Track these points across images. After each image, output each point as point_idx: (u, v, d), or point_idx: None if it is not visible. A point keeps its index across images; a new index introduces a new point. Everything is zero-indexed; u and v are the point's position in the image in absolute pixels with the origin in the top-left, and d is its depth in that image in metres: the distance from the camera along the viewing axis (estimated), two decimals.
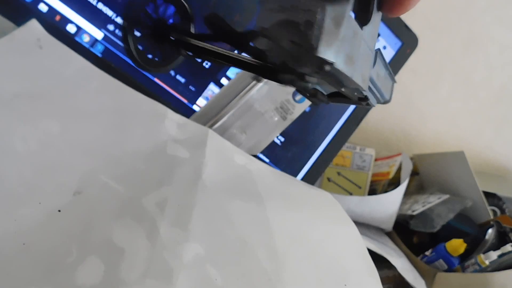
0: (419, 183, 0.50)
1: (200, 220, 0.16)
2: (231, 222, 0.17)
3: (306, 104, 0.26)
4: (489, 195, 0.45)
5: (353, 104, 0.17)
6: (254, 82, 0.24)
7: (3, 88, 0.17)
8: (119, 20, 0.26)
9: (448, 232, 0.39)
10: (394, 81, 0.18)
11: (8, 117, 0.16)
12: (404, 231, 0.41)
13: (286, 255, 0.17)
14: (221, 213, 0.17)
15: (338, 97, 0.16)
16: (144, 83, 0.27)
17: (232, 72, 0.30)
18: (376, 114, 0.55)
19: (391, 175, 0.45)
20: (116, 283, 0.13)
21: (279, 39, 0.12)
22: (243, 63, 0.16)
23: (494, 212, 0.45)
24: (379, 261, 0.31)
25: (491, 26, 0.54)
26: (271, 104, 0.25)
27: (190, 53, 0.18)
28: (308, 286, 0.17)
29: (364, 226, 0.39)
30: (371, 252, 0.23)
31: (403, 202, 0.41)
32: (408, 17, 0.27)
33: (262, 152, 0.28)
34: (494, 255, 0.34)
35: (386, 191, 0.39)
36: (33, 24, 0.19)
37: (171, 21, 0.17)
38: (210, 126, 0.23)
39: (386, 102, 0.18)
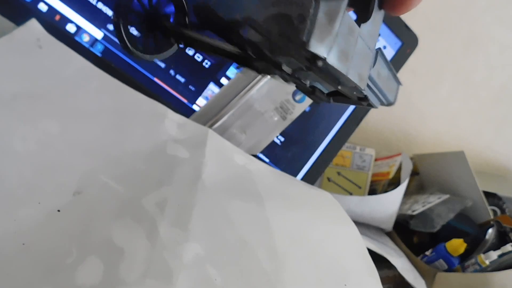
0: (419, 183, 0.50)
1: (200, 220, 0.16)
2: (231, 222, 0.17)
3: (306, 104, 0.26)
4: (489, 195, 0.45)
5: (353, 104, 0.17)
6: (254, 82, 0.24)
7: (2, 88, 0.17)
8: None
9: (448, 232, 0.39)
10: (399, 83, 0.18)
11: (7, 117, 0.16)
12: (404, 231, 0.41)
13: (286, 255, 0.17)
14: (221, 213, 0.17)
15: (338, 96, 0.16)
16: (144, 83, 0.27)
17: (232, 72, 0.30)
18: (376, 114, 0.55)
19: (391, 175, 0.45)
20: (116, 283, 0.13)
21: (272, 33, 0.12)
22: (228, 53, 0.16)
23: (494, 212, 0.45)
24: (379, 261, 0.31)
25: (491, 26, 0.54)
26: (271, 104, 0.25)
27: (180, 42, 0.18)
28: (308, 286, 0.17)
29: (364, 226, 0.39)
30: (371, 252, 0.23)
31: (403, 202, 0.41)
32: (408, 17, 0.27)
33: (262, 152, 0.28)
34: (494, 255, 0.34)
35: (386, 191, 0.39)
36: (33, 24, 0.19)
37: (166, 10, 0.17)
38: (210, 126, 0.23)
39: (390, 104, 0.18)
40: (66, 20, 0.25)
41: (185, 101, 0.29)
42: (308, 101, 0.26)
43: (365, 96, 0.15)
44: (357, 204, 0.37)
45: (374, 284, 0.20)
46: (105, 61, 0.26)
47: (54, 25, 0.25)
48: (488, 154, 0.61)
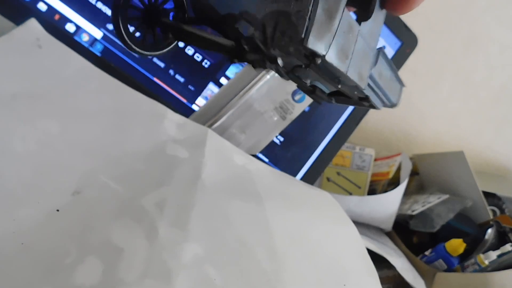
0: (419, 183, 0.50)
1: (199, 220, 0.16)
2: (230, 222, 0.17)
3: (305, 104, 0.26)
4: (488, 195, 0.45)
5: (355, 105, 0.17)
6: (253, 81, 0.24)
7: (2, 87, 0.17)
8: None
9: (448, 232, 0.39)
10: (402, 84, 0.17)
11: (7, 117, 0.16)
12: (404, 231, 0.41)
13: (285, 255, 0.17)
14: (220, 213, 0.17)
15: (340, 96, 0.16)
16: (144, 83, 0.27)
17: (232, 71, 0.30)
18: (376, 114, 0.55)
19: (390, 175, 0.45)
20: (115, 283, 0.13)
21: (271, 30, 0.12)
22: (224, 47, 0.15)
23: (494, 212, 0.45)
24: (378, 261, 0.31)
25: (491, 26, 0.54)
26: (271, 104, 0.25)
27: (179, 39, 0.18)
28: (308, 286, 0.17)
29: (363, 226, 0.39)
30: (370, 252, 0.23)
31: (402, 202, 0.41)
32: (408, 17, 0.27)
33: (261, 152, 0.28)
34: (493, 255, 0.34)
35: (385, 191, 0.39)
36: (32, 24, 0.19)
37: (165, 6, 0.17)
38: (210, 126, 0.23)
39: (393, 105, 0.17)
40: (65, 19, 0.25)
41: (184, 101, 0.29)
42: (307, 101, 0.26)
43: (367, 96, 0.15)
44: (356, 204, 0.37)
45: (373, 284, 0.20)
46: (104, 61, 0.26)
47: (54, 24, 0.25)
48: (488, 154, 0.61)
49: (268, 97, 0.25)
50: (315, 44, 0.11)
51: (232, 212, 0.18)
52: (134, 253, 0.14)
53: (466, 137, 0.60)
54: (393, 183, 0.44)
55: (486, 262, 0.34)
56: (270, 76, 0.24)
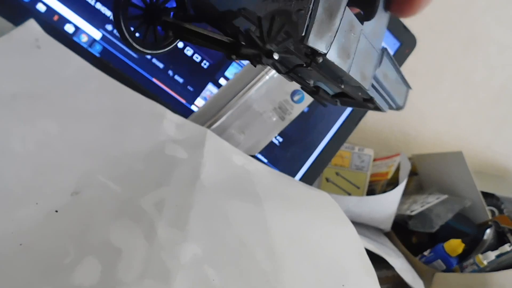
0: (418, 183, 0.50)
1: (198, 221, 0.16)
2: (229, 223, 0.17)
3: (304, 105, 0.26)
4: (487, 195, 0.45)
5: (360, 107, 0.17)
6: (252, 82, 0.24)
7: (1, 88, 0.17)
8: None
9: (447, 232, 0.39)
10: (408, 86, 0.17)
11: (6, 117, 0.16)
12: (403, 231, 0.41)
13: (284, 255, 0.17)
14: (219, 213, 0.17)
15: (344, 98, 0.16)
16: (143, 83, 0.27)
17: (231, 72, 0.30)
18: (375, 114, 0.54)
19: (389, 175, 0.45)
20: (114, 283, 0.13)
21: (268, 25, 0.12)
22: (223, 43, 0.15)
23: (493, 212, 0.45)
24: (377, 261, 0.31)
25: (491, 26, 0.54)
26: (270, 105, 0.25)
27: (179, 38, 0.18)
28: (307, 286, 0.17)
29: (362, 226, 0.39)
30: (369, 253, 0.23)
31: (401, 202, 0.41)
32: (408, 18, 0.27)
33: (260, 152, 0.28)
34: (492, 255, 0.35)
35: (384, 191, 0.39)
36: (31, 24, 0.19)
37: (166, 4, 0.17)
38: (209, 127, 0.23)
39: (399, 108, 0.17)
40: (64, 20, 0.25)
41: (183, 101, 0.29)
42: (306, 101, 0.26)
43: (371, 97, 0.15)
44: (355, 205, 0.37)
45: (372, 284, 0.20)
46: (103, 62, 0.26)
47: (53, 25, 0.25)
48: (488, 154, 0.61)
49: (267, 97, 0.25)
50: (316, 42, 0.11)
51: (231, 212, 0.18)
52: (133, 253, 0.14)
53: (465, 137, 0.60)
54: (392, 183, 0.44)
55: (485, 262, 0.34)
56: (269, 77, 0.24)
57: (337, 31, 0.11)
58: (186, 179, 0.18)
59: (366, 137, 0.55)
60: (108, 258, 0.13)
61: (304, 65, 0.12)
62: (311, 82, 0.15)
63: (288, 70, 0.14)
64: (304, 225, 0.20)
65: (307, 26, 0.11)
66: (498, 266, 0.34)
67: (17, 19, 0.21)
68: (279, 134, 0.29)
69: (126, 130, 0.19)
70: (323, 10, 0.11)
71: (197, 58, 0.29)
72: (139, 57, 0.27)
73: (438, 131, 0.59)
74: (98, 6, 0.26)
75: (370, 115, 0.35)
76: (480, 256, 0.35)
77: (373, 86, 0.15)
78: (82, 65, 0.20)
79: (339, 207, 0.23)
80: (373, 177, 0.46)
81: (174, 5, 0.17)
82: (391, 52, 0.34)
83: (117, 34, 0.26)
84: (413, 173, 0.49)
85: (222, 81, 0.30)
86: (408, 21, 0.34)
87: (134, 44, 0.17)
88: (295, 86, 0.25)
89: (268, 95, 0.25)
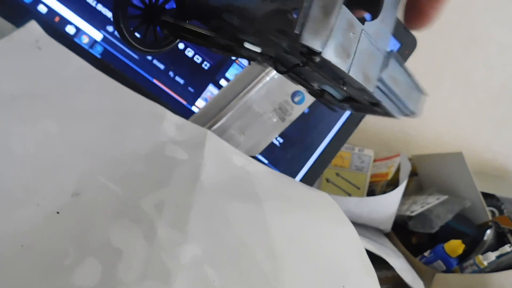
0: (418, 183, 0.50)
1: (198, 221, 0.16)
2: (229, 223, 0.17)
3: (305, 106, 0.26)
4: (487, 196, 0.45)
5: (369, 112, 0.16)
6: (253, 83, 0.24)
7: (2, 88, 0.17)
8: None
9: (447, 232, 0.39)
10: (422, 92, 0.17)
11: (7, 118, 0.16)
12: (403, 232, 0.41)
13: (284, 256, 0.17)
14: (219, 214, 0.17)
15: (351, 102, 0.16)
16: (143, 84, 0.27)
17: (231, 73, 0.30)
18: None
19: (389, 176, 0.45)
20: (114, 284, 0.13)
21: (270, 29, 0.12)
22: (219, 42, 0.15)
23: (493, 213, 0.45)
24: (377, 261, 0.31)
25: (491, 26, 0.54)
26: (270, 105, 0.25)
27: (178, 37, 0.18)
28: (307, 286, 0.17)
29: (362, 227, 0.40)
30: (369, 253, 0.23)
31: (401, 203, 0.41)
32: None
33: (261, 153, 0.28)
34: (492, 256, 0.35)
35: (384, 192, 0.39)
36: (32, 26, 0.19)
37: (165, 5, 0.17)
38: (209, 127, 0.23)
39: (413, 114, 0.17)
40: (65, 21, 0.25)
41: (184, 102, 0.29)
42: (307, 102, 0.26)
43: (378, 101, 0.15)
44: (355, 205, 0.38)
45: (372, 285, 0.20)
46: (104, 63, 0.26)
47: (54, 26, 0.25)
48: (488, 155, 0.61)
49: (268, 98, 0.25)
50: (310, 40, 0.11)
51: (231, 213, 0.18)
52: (133, 254, 0.14)
53: (465, 137, 0.60)
54: (392, 184, 0.44)
55: (485, 263, 0.34)
56: (270, 78, 0.24)
57: (332, 29, 0.11)
58: (186, 180, 0.18)
59: (366, 137, 0.55)
60: (108, 258, 0.13)
61: (301, 64, 0.12)
62: (315, 85, 0.15)
63: (286, 70, 0.14)
64: (304, 225, 0.20)
65: (302, 24, 0.11)
66: (498, 266, 0.34)
67: (18, 21, 0.21)
68: (280, 135, 0.29)
69: (126, 130, 0.19)
70: (318, 8, 0.11)
71: (197, 59, 0.29)
72: (140, 58, 0.27)
73: (438, 131, 0.59)
74: (99, 7, 0.26)
75: (370, 116, 0.35)
76: (480, 256, 0.35)
77: (380, 90, 0.14)
78: (82, 65, 0.20)
79: (339, 208, 0.23)
80: (373, 177, 0.46)
81: (174, 6, 0.18)
82: None
83: (118, 35, 0.26)
84: (413, 174, 0.49)
85: (222, 82, 0.30)
86: None
87: (133, 43, 0.17)
88: (296, 87, 0.26)
89: (268, 96, 0.25)
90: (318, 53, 0.11)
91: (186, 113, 0.27)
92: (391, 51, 0.14)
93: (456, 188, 0.44)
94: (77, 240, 0.13)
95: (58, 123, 0.17)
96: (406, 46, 0.34)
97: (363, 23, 0.12)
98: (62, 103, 0.18)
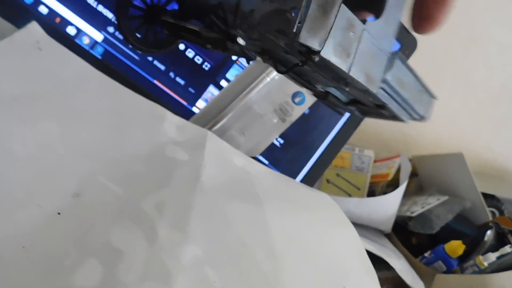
0: (418, 184, 0.50)
1: (199, 222, 0.16)
2: (229, 224, 0.17)
3: (305, 106, 0.26)
4: (487, 197, 0.45)
5: (379, 117, 0.16)
6: (253, 84, 0.24)
7: (2, 89, 0.17)
8: None
9: (447, 233, 0.39)
10: (432, 96, 0.16)
11: (7, 119, 0.16)
12: (403, 232, 0.41)
13: (284, 256, 0.17)
14: (219, 215, 0.17)
15: (357, 105, 0.16)
16: (144, 85, 0.27)
17: (232, 74, 0.30)
18: None
19: (390, 177, 0.45)
20: (115, 284, 0.13)
21: (269, 29, 0.12)
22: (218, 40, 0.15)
23: (493, 214, 0.45)
24: (378, 262, 0.31)
25: (491, 26, 0.54)
26: (270, 106, 0.25)
27: (179, 37, 0.18)
28: (307, 286, 0.17)
29: (363, 227, 0.40)
30: (370, 254, 0.23)
31: (401, 204, 0.41)
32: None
33: (261, 154, 0.28)
34: (493, 256, 0.35)
35: (385, 193, 0.39)
36: (33, 26, 0.20)
37: (166, 6, 0.17)
38: (210, 128, 0.23)
39: (422, 118, 0.16)
40: (66, 22, 0.25)
41: (184, 103, 0.29)
42: (307, 103, 0.26)
43: (383, 103, 0.14)
44: (356, 206, 0.38)
45: (372, 285, 0.20)
46: (105, 63, 0.26)
47: (55, 27, 0.25)
48: (488, 155, 0.61)
49: (268, 99, 0.25)
50: (308, 39, 0.11)
51: (232, 213, 0.18)
52: (134, 255, 0.14)
53: (465, 137, 0.60)
54: (393, 184, 0.44)
55: (485, 263, 0.34)
56: (270, 79, 0.24)
57: (331, 28, 0.11)
58: (186, 180, 0.18)
59: (366, 138, 0.55)
60: (109, 259, 0.13)
61: (300, 64, 0.12)
62: (319, 86, 0.15)
63: (286, 70, 0.14)
64: (304, 226, 0.20)
65: (300, 22, 0.10)
66: (499, 267, 0.34)
67: (19, 21, 0.21)
68: (280, 136, 0.29)
69: (127, 131, 0.19)
70: (316, 7, 0.11)
71: (198, 60, 0.29)
72: (141, 59, 0.27)
73: (438, 132, 0.59)
74: (100, 8, 0.26)
75: None
76: (480, 257, 0.35)
77: (385, 91, 0.14)
78: (83, 66, 0.20)
79: (339, 208, 0.23)
80: (374, 178, 0.46)
81: (175, 7, 0.18)
82: None
83: (119, 36, 0.27)
84: (413, 174, 0.49)
85: (223, 83, 0.30)
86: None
87: (135, 43, 0.17)
88: (296, 88, 0.26)
89: (269, 96, 0.25)
90: (317, 52, 0.11)
91: (186, 114, 0.27)
92: (396, 52, 0.14)
93: (457, 189, 0.44)
94: (77, 240, 0.13)
95: (58, 123, 0.17)
96: (407, 46, 0.34)
97: (364, 23, 0.12)
98: (63, 103, 0.18)
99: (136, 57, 0.27)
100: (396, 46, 0.34)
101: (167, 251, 0.14)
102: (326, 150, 0.32)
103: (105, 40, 0.26)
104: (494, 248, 0.36)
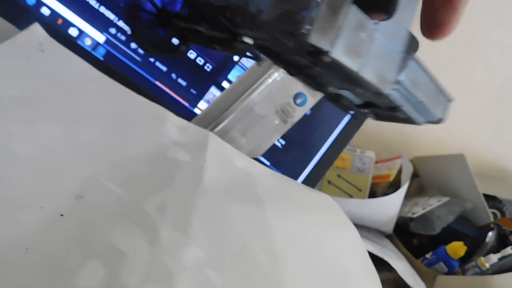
0: (419, 185, 0.50)
1: (201, 224, 0.16)
2: (231, 225, 0.17)
3: (307, 108, 0.26)
4: (489, 198, 0.45)
5: (394, 120, 0.16)
6: (255, 85, 0.24)
7: (5, 91, 0.17)
8: (121, 23, 0.27)
9: (448, 234, 0.39)
10: (448, 98, 0.16)
11: (9, 120, 0.16)
12: (404, 233, 0.41)
13: (285, 257, 0.17)
14: (221, 216, 0.17)
15: (371, 108, 0.16)
16: (146, 86, 0.27)
17: (234, 75, 0.30)
18: None
19: (391, 178, 0.45)
20: (117, 286, 0.13)
21: (278, 31, 0.12)
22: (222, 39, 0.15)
23: (494, 215, 0.45)
24: (379, 263, 0.31)
25: (491, 26, 0.54)
26: (272, 107, 0.25)
27: (187, 40, 0.18)
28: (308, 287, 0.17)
29: (364, 228, 0.39)
30: (371, 255, 0.23)
31: (403, 205, 0.41)
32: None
33: (263, 155, 0.28)
34: (494, 257, 0.35)
35: (386, 194, 0.39)
36: (36, 28, 0.20)
37: (176, 10, 0.18)
38: (211, 129, 0.23)
39: (439, 120, 0.16)
40: (68, 24, 0.26)
41: (186, 104, 0.29)
42: (309, 104, 0.26)
43: (397, 105, 0.14)
44: (357, 207, 0.38)
45: (374, 286, 0.20)
46: (107, 65, 0.26)
47: (57, 29, 0.25)
48: (488, 155, 0.61)
49: (269, 100, 0.25)
50: (318, 39, 0.11)
51: (233, 215, 0.18)
52: (136, 256, 0.14)
53: (465, 138, 0.60)
54: (394, 185, 0.44)
55: (487, 265, 0.34)
56: (272, 80, 0.24)
57: (341, 28, 0.11)
58: (188, 182, 0.18)
59: (367, 139, 0.55)
60: (111, 261, 0.13)
61: (310, 65, 0.12)
62: (332, 89, 0.15)
63: (297, 72, 0.14)
64: (305, 227, 0.20)
65: (309, 23, 0.10)
66: (500, 268, 0.34)
67: (21, 23, 0.21)
68: (282, 137, 0.29)
69: (129, 132, 0.19)
70: (326, 7, 0.11)
71: (200, 61, 0.29)
72: (143, 60, 0.27)
73: (438, 132, 0.59)
74: (102, 9, 0.26)
75: None
76: (482, 258, 0.35)
77: (400, 92, 0.14)
78: (84, 67, 0.20)
79: (341, 210, 0.23)
80: (375, 179, 0.46)
81: (181, 6, 0.18)
82: None
83: (121, 37, 0.27)
84: (414, 175, 0.49)
85: (225, 84, 0.30)
86: None
87: (148, 48, 0.17)
88: (298, 88, 0.26)
89: (270, 98, 0.25)
90: (327, 53, 0.11)
91: (188, 115, 0.27)
92: (410, 53, 0.14)
93: (458, 190, 0.44)
94: (80, 242, 0.13)
95: (61, 125, 0.17)
96: (409, 47, 0.34)
97: (377, 24, 0.12)
98: (65, 105, 0.18)
99: (138, 58, 0.27)
100: None
101: (169, 252, 0.14)
102: (328, 151, 0.32)
103: (107, 41, 0.26)
104: (495, 250, 0.36)
